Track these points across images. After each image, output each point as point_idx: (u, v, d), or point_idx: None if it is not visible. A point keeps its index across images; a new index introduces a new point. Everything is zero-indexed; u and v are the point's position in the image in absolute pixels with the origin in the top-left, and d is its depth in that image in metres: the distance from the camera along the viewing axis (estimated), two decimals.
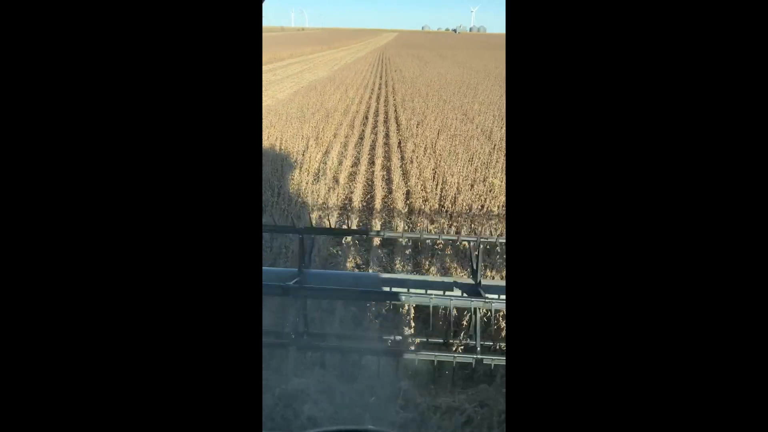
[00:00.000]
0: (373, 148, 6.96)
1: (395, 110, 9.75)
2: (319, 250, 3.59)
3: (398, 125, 8.32)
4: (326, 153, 6.45)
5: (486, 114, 9.02)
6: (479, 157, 6.17)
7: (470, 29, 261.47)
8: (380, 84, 14.32)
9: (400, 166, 6.02)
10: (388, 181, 5.55)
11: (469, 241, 2.48)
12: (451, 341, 2.42)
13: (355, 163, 6.19)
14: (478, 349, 2.13)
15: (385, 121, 8.77)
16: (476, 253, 2.40)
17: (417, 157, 6.29)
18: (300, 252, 2.44)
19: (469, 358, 2.09)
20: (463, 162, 5.95)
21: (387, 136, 7.66)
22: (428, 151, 6.56)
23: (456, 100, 10.76)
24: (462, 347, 2.39)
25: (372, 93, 12.36)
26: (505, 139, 7.10)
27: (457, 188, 5.13)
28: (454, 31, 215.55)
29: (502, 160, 6.04)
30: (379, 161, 6.16)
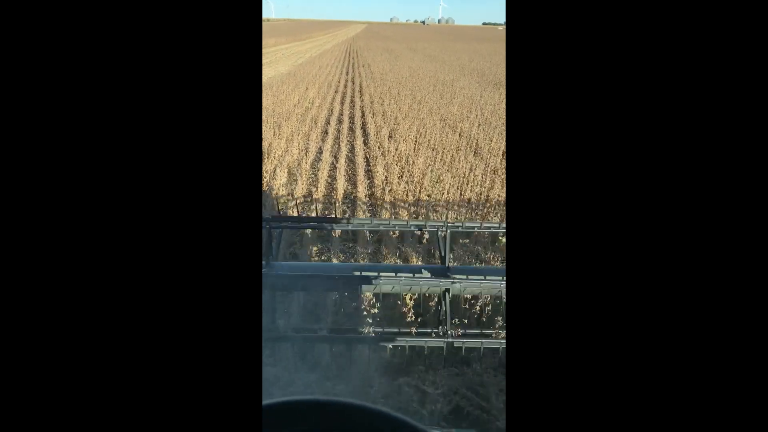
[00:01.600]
0: (333, 168, 5.46)
1: (362, 115, 8.25)
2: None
3: (366, 136, 6.83)
4: (272, 178, 4.91)
5: (469, 120, 7.63)
6: (471, 186, 4.76)
7: (438, 21, 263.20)
8: (347, 81, 12.73)
9: (368, 199, 4.55)
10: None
11: (436, 227, 2.45)
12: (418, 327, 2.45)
13: (308, 196, 4.68)
14: (450, 332, 2.15)
15: (351, 130, 7.26)
16: (443, 235, 2.40)
17: (390, 184, 4.83)
18: (267, 244, 2.29)
19: (440, 342, 2.14)
20: (452, 192, 4.53)
21: (352, 151, 6.14)
22: (405, 174, 5.11)
23: (432, 100, 9.33)
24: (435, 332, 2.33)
25: (337, 92, 10.79)
26: (489, 151, 5.78)
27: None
28: (423, 22, 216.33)
29: (497, 188, 4.64)
30: (339, 193, 4.66)
